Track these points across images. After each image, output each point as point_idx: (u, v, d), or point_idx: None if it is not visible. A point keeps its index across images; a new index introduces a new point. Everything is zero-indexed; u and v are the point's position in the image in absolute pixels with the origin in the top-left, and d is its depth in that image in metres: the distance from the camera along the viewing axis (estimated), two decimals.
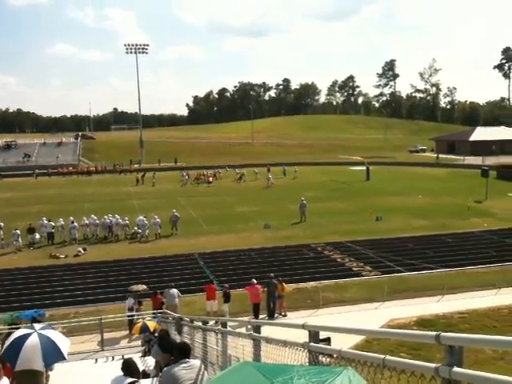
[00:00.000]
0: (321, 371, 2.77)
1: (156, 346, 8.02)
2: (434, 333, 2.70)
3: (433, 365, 2.61)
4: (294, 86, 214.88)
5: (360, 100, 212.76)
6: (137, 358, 9.74)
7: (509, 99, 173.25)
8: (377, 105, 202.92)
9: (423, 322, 18.44)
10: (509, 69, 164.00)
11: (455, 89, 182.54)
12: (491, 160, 70.84)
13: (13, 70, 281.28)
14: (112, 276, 25.50)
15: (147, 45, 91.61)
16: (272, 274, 21.04)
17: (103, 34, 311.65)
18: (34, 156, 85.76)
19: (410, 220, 36.95)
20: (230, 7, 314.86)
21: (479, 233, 32.97)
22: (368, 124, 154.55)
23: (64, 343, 5.75)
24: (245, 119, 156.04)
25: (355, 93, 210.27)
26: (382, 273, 24.25)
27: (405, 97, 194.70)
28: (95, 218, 34.40)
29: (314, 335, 4.42)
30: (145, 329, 13.91)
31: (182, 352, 5.60)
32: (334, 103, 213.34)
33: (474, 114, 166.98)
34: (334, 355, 3.83)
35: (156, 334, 13.23)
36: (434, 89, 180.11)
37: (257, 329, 6.36)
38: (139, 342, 15.41)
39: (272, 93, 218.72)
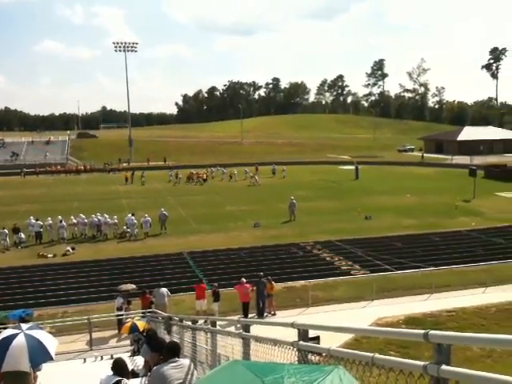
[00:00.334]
0: (311, 370, 2.77)
1: (145, 345, 7.99)
2: (423, 331, 2.71)
3: (421, 363, 2.62)
4: (284, 85, 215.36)
5: (349, 99, 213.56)
6: (126, 358, 9.70)
7: (496, 99, 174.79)
8: (366, 104, 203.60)
9: (411, 321, 18.55)
10: (496, 69, 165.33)
11: (443, 88, 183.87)
12: (479, 159, 71.44)
13: (0, 68, 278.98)
14: (101, 275, 25.36)
15: (136, 43, 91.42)
16: (261, 273, 21.06)
17: (92, 32, 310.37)
18: (22, 155, 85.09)
19: (398, 219, 37.14)
20: (219, 6, 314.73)
21: (467, 232, 33.23)
22: (357, 123, 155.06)
23: (51, 343, 5.71)
24: (234, 118, 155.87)
25: (344, 92, 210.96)
26: (370, 271, 24.36)
27: (393, 96, 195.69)
28: (83, 217, 34.21)
29: (303, 334, 4.43)
30: (134, 328, 13.86)
31: (171, 351, 5.58)
32: (324, 103, 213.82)
33: (461, 114, 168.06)
34: (323, 354, 3.84)
35: (145, 334, 13.21)
36: (423, 88, 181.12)
37: (246, 328, 6.36)
38: (128, 342, 15.37)
39: (261, 92, 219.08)
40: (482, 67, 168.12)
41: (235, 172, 64.33)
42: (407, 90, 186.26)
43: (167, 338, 10.40)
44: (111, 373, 6.24)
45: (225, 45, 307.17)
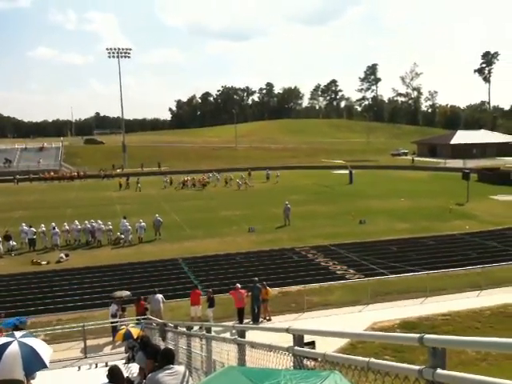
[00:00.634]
0: (308, 375, 2.76)
1: (140, 352, 7.96)
2: (418, 335, 2.71)
3: (416, 367, 2.62)
4: (277, 90, 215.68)
5: (343, 104, 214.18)
6: (121, 365, 9.65)
7: (489, 103, 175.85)
8: (359, 109, 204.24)
9: (406, 325, 18.56)
10: (489, 73, 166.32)
11: (436, 93, 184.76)
12: (472, 163, 71.81)
13: None
14: (95, 282, 25.26)
15: (130, 49, 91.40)
16: (256, 278, 21.01)
17: (85, 38, 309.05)
18: (15, 161, 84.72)
19: (392, 223, 37.22)
20: (212, 11, 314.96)
21: (461, 235, 33.33)
22: (351, 128, 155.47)
23: (45, 351, 5.67)
24: (228, 123, 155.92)
25: (338, 97, 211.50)
26: (365, 276, 24.37)
27: (387, 101, 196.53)
28: (77, 223, 34.10)
29: (298, 339, 4.42)
30: (128, 335, 13.80)
31: (166, 358, 5.56)
32: (317, 107, 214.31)
33: (454, 118, 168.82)
34: (319, 359, 3.83)
35: (139, 341, 13.15)
36: (416, 93, 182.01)
37: (241, 333, 6.35)
38: (123, 349, 15.29)
39: (255, 97, 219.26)
40: (475, 71, 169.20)
41: (231, 177, 64.02)
42: (400, 95, 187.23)
43: (162, 345, 10.36)
44: (106, 380, 6.20)
45: (218, 50, 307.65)
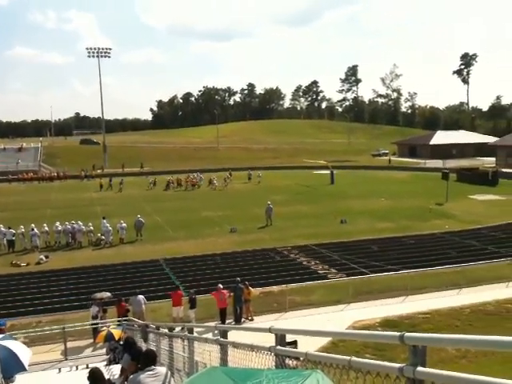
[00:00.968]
0: (290, 374, 2.78)
1: (126, 353, 7.91)
2: (398, 333, 2.74)
3: (397, 365, 2.65)
4: (259, 90, 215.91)
5: (324, 105, 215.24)
6: (102, 367, 9.57)
7: (468, 104, 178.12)
8: (340, 109, 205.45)
9: (387, 323, 18.72)
10: (467, 74, 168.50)
11: (415, 94, 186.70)
12: (451, 163, 72.68)
13: None
14: (75, 284, 25.00)
15: (110, 48, 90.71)
16: (238, 279, 21.01)
17: (65, 37, 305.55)
18: None
19: (373, 222, 37.51)
20: (193, 11, 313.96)
21: (441, 234, 33.72)
22: (332, 128, 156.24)
23: (25, 353, 5.61)
24: (210, 124, 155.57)
25: (319, 98, 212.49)
26: (347, 275, 24.51)
27: (367, 102, 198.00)
28: (58, 224, 33.72)
29: (280, 338, 4.44)
30: (110, 337, 13.69)
31: (148, 359, 5.55)
32: (299, 108, 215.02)
33: (434, 119, 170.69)
34: (301, 358, 3.85)
35: (121, 342, 13.05)
36: (396, 94, 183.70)
37: (224, 334, 6.35)
38: (104, 351, 15.15)
39: (237, 97, 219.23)
40: (454, 72, 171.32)
41: (215, 178, 63.42)
42: (380, 96, 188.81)
43: (144, 346, 10.31)
44: (87, 383, 6.15)
45: (199, 50, 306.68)
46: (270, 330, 4.56)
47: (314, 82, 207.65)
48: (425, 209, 42.25)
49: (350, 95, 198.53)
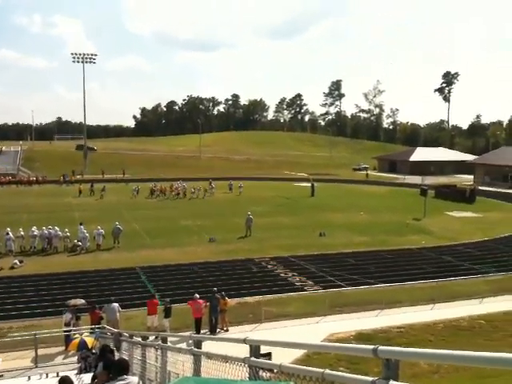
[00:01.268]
0: None
1: (101, 361, 7.78)
2: (372, 346, 2.73)
3: (370, 378, 2.64)
4: (243, 101, 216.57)
5: (307, 118, 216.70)
6: (72, 376, 9.39)
7: (448, 122, 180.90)
8: (323, 123, 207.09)
9: (362, 336, 18.77)
10: (448, 92, 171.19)
11: (397, 110, 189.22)
12: (430, 179, 73.59)
13: None
14: (49, 290, 24.60)
15: (95, 54, 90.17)
16: (215, 289, 20.92)
17: (49, 42, 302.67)
18: None
19: (351, 236, 37.71)
20: (179, 21, 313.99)
21: (417, 249, 34.03)
22: (314, 142, 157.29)
23: None
24: (193, 133, 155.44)
25: (302, 111, 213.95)
26: (323, 287, 24.56)
27: (350, 116, 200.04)
28: (33, 229, 33.20)
29: (254, 350, 4.41)
30: (82, 345, 13.48)
31: (120, 368, 5.46)
32: (282, 120, 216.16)
33: (414, 135, 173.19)
34: (275, 370, 3.82)
35: (94, 351, 12.86)
36: (378, 109, 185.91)
37: (198, 344, 6.28)
38: (75, 359, 14.89)
39: (221, 107, 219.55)
40: (435, 90, 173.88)
41: (199, 187, 62.79)
42: (363, 111, 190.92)
43: (116, 355, 10.15)
44: None
45: (185, 60, 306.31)
46: (244, 341, 4.53)
47: (298, 95, 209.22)
48: (402, 224, 42.65)
49: (332, 109, 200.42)
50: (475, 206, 55.10)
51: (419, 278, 26.12)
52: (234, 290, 23.96)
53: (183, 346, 9.76)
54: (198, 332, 19.02)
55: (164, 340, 8.68)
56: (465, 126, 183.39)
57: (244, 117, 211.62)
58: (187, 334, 17.38)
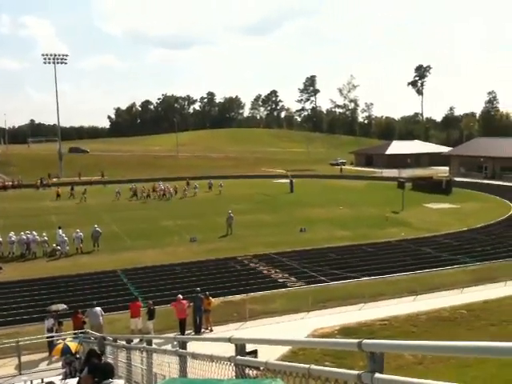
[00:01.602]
0: None
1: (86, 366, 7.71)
2: (356, 340, 2.77)
3: (355, 372, 2.67)
4: (219, 99, 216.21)
5: (283, 114, 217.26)
6: (57, 381, 9.32)
7: (422, 114, 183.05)
8: (299, 119, 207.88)
9: (346, 331, 18.92)
10: (421, 85, 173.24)
11: (372, 104, 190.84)
12: (407, 172, 74.44)
13: None
14: (30, 296, 24.24)
15: (66, 55, 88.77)
16: (198, 289, 20.88)
17: (19, 43, 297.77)
18: None
19: (332, 231, 37.94)
20: (153, 19, 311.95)
21: (397, 242, 34.38)
22: (291, 138, 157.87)
23: None
24: (169, 132, 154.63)
25: (278, 107, 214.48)
26: (306, 283, 24.68)
27: (325, 111, 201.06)
28: (11, 234, 32.69)
29: (240, 348, 4.43)
30: (66, 350, 13.33)
31: (105, 372, 5.42)
32: (258, 117, 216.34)
33: (389, 129, 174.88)
34: (261, 367, 3.85)
35: (78, 356, 12.74)
36: (353, 104, 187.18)
37: (183, 345, 6.28)
38: (59, 365, 14.73)
39: (196, 106, 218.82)
40: (408, 84, 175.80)
41: (177, 186, 62.45)
42: (338, 106, 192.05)
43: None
44: None
45: (159, 58, 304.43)
46: (229, 340, 4.55)
47: (274, 92, 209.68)
48: (382, 217, 43.04)
49: (308, 105, 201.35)
50: (452, 197, 55.90)
51: (400, 270, 26.43)
52: (218, 289, 23.93)
53: (168, 347, 9.74)
54: (182, 333, 18.97)
55: (149, 342, 8.65)
56: (439, 119, 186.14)
57: (220, 114, 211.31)
58: (172, 335, 17.36)
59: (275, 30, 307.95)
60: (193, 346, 6.25)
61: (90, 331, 16.74)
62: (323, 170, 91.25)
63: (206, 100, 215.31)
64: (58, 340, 15.92)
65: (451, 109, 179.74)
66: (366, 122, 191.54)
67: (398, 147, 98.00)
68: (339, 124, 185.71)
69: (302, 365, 3.17)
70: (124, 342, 10.38)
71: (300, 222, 39.82)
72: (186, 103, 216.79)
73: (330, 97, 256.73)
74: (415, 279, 24.10)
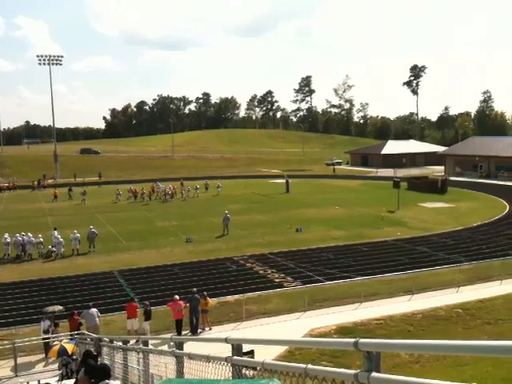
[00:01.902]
0: None
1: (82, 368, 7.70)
2: (353, 340, 2.77)
3: (352, 371, 2.68)
4: (214, 100, 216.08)
5: (278, 115, 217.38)
6: (54, 383, 9.29)
7: (417, 114, 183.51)
8: (294, 119, 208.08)
9: (342, 330, 18.94)
10: (417, 85, 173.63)
11: (367, 104, 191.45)
12: (402, 172, 74.62)
13: None
14: (26, 297, 24.18)
15: (61, 56, 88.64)
16: (195, 289, 20.85)
17: (14, 44, 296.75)
18: None
19: (328, 231, 37.97)
20: (148, 20, 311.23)
21: (393, 241, 34.43)
22: (286, 138, 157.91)
23: None
24: (165, 133, 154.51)
25: (274, 107, 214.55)
26: (302, 283, 24.68)
27: (321, 112, 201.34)
28: (6, 236, 32.59)
29: (237, 348, 4.43)
30: (62, 352, 13.29)
31: (101, 373, 5.42)
32: (254, 118, 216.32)
33: (385, 129, 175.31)
34: (258, 367, 3.85)
35: (74, 357, 12.70)
36: (348, 104, 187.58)
37: (179, 345, 6.28)
38: (56, 366, 14.70)
39: (192, 106, 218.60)
40: (403, 84, 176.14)
41: (175, 187, 62.11)
42: (333, 106, 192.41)
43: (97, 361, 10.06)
44: None
45: (154, 59, 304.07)
46: (226, 341, 4.55)
47: (269, 92, 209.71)
48: (377, 217, 43.10)
49: (303, 105, 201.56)
50: (447, 196, 56.05)
51: (396, 269, 26.46)
52: (214, 289, 23.91)
53: (165, 348, 9.74)
54: (179, 333, 18.96)
55: (145, 343, 8.64)
56: (434, 118, 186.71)
57: (216, 115, 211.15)
58: (168, 336, 17.34)
59: (270, 30, 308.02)
60: (190, 347, 6.25)
61: (87, 332, 16.70)
62: (319, 170, 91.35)
63: (201, 101, 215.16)
64: (54, 341, 15.88)
65: (446, 108, 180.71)
66: (361, 121, 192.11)
67: (393, 147, 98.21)
68: (335, 124, 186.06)
69: (298, 364, 3.18)
70: (120, 343, 10.36)
71: (296, 222, 39.83)
72: (182, 104, 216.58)
73: (325, 97, 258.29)
74: (411, 278, 24.13)
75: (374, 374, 2.57)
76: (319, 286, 24.05)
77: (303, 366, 3.07)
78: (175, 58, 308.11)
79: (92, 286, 25.91)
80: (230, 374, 4.21)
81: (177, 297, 19.82)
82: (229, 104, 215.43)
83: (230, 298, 22.86)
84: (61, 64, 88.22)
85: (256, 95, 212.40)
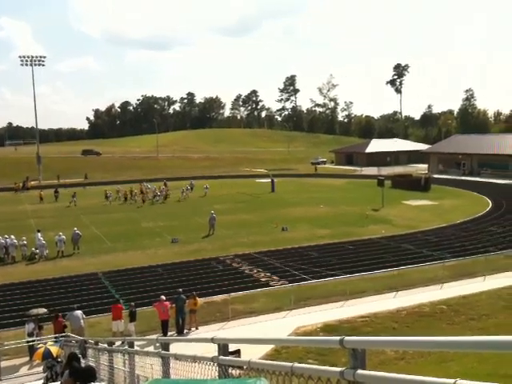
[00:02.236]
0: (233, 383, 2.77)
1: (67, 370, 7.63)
2: (338, 338, 2.79)
3: (338, 369, 2.69)
4: (199, 99, 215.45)
5: (263, 114, 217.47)
6: None
7: (401, 113, 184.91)
8: (279, 119, 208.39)
9: (328, 328, 19.01)
10: (400, 84, 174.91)
11: (351, 103, 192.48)
12: (386, 170, 75.09)
13: None
14: (9, 300, 23.89)
15: (44, 57, 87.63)
16: (180, 290, 20.79)
17: None
18: None
19: (313, 229, 38.09)
20: (131, 19, 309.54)
21: (377, 239, 34.66)
22: (272, 137, 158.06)
23: None
24: (149, 133, 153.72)
25: (258, 107, 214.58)
26: (288, 282, 24.73)
27: (305, 111, 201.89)
28: None
29: (223, 348, 4.42)
30: (47, 354, 13.17)
31: (86, 375, 5.38)
32: (239, 117, 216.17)
33: (369, 127, 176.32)
34: (244, 367, 3.85)
35: (59, 360, 12.60)
36: (332, 103, 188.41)
37: (165, 346, 6.25)
38: (40, 369, 14.56)
39: (176, 106, 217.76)
40: (387, 83, 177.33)
41: (183, 188, 61.50)
42: (318, 105, 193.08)
43: (82, 363, 9.98)
44: None
45: (138, 59, 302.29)
46: (212, 341, 4.54)
47: (254, 92, 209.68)
48: (362, 215, 43.35)
49: (288, 105, 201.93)
50: (430, 194, 56.56)
51: (380, 267, 26.62)
52: (200, 289, 23.84)
53: (151, 349, 9.69)
54: (165, 334, 18.89)
55: (131, 344, 8.60)
56: (417, 117, 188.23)
57: (200, 115, 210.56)
58: (154, 336, 17.27)
59: (254, 30, 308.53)
60: (176, 347, 6.22)
61: (71, 335, 16.58)
62: (304, 169, 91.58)
63: (186, 100, 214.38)
64: (38, 344, 15.74)
65: (429, 107, 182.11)
66: (345, 120, 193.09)
67: (377, 145, 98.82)
68: (319, 123, 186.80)
69: (285, 363, 3.19)
70: (106, 345, 10.30)
71: (281, 221, 39.89)
72: (166, 104, 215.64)
73: (310, 96, 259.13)
74: (396, 276, 24.32)
75: (360, 371, 2.58)
76: (305, 284, 24.11)
77: (290, 364, 3.08)
78: (159, 57, 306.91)
79: (77, 287, 25.69)
80: (217, 374, 4.21)
81: (163, 297, 19.73)
82: (213, 104, 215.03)
83: (216, 297, 22.82)
84: (44, 65, 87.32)
85: (241, 95, 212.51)
